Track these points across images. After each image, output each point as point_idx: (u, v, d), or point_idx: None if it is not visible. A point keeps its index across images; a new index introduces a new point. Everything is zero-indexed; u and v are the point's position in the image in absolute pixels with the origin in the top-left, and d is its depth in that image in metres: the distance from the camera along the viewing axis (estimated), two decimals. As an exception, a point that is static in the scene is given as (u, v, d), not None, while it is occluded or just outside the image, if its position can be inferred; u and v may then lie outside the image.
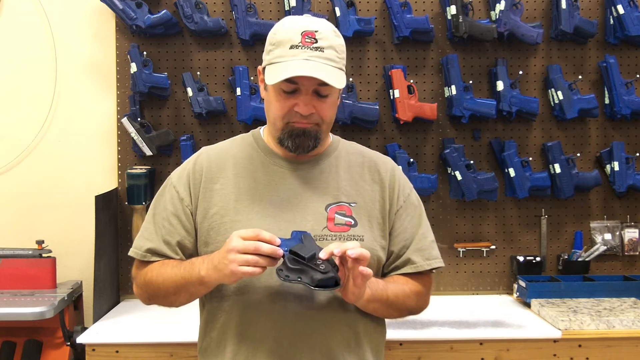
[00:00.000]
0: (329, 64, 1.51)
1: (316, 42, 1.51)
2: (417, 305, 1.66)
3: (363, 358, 1.59)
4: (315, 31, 1.52)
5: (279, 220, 1.56)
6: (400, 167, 1.85)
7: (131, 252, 1.65)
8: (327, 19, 2.61)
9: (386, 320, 1.71)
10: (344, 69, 1.57)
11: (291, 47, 1.51)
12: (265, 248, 1.40)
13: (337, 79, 1.52)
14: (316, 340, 1.54)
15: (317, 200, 1.59)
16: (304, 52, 1.50)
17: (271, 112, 1.58)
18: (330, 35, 1.54)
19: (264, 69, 1.58)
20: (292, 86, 1.52)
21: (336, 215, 1.58)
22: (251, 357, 1.54)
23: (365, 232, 1.59)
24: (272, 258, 1.41)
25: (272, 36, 1.57)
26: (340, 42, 1.57)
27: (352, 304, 1.54)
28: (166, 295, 1.59)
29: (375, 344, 1.64)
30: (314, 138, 1.57)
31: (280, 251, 1.41)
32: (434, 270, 1.68)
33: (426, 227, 1.69)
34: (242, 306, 1.54)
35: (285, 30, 1.54)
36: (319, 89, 1.53)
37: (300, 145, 1.57)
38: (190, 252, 1.62)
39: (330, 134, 1.71)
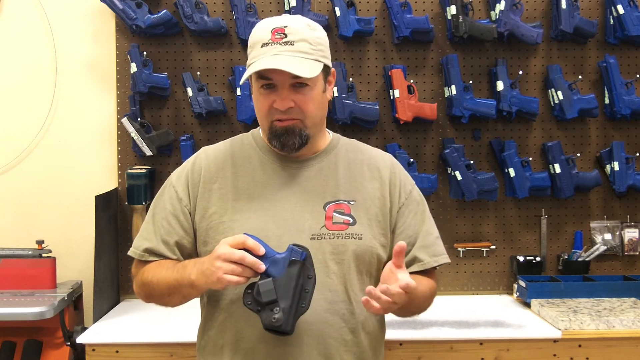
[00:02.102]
0: (299, 56, 1.50)
1: (285, 36, 1.51)
2: (427, 305, 1.67)
3: (361, 356, 1.59)
4: (285, 26, 1.52)
5: (277, 219, 1.56)
6: (400, 163, 1.83)
7: (130, 252, 1.66)
8: (327, 19, 2.68)
9: (386, 320, 1.71)
10: (321, 59, 1.55)
11: (262, 46, 1.52)
12: (249, 260, 1.40)
13: (308, 69, 1.50)
14: (313, 338, 1.53)
15: (315, 199, 1.59)
16: (273, 48, 1.51)
17: (257, 113, 1.60)
18: (302, 29, 1.53)
19: None
20: (267, 82, 1.52)
21: (334, 213, 1.58)
22: (249, 356, 1.55)
23: (363, 230, 1.59)
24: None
25: (249, 39, 1.58)
26: (315, 34, 1.55)
27: (349, 302, 1.55)
28: (161, 296, 1.60)
29: (375, 343, 1.63)
30: (298, 135, 1.56)
31: (263, 266, 1.41)
32: (437, 267, 1.68)
33: (430, 224, 1.69)
34: (239, 305, 1.53)
35: (258, 31, 1.56)
36: (295, 81, 1.52)
37: (286, 144, 1.56)
38: (189, 252, 1.63)
39: (330, 132, 1.71)
